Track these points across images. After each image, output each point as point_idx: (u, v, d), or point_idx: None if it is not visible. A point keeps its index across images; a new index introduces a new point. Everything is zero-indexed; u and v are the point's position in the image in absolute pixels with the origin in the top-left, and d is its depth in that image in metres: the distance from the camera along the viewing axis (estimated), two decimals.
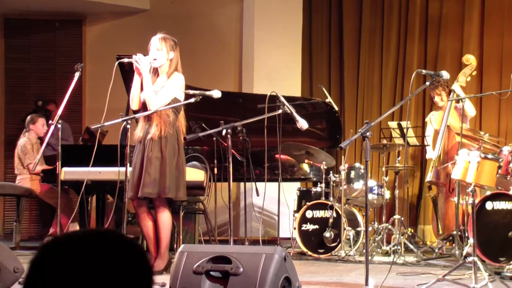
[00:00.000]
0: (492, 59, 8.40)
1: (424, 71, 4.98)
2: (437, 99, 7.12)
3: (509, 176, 5.64)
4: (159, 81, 5.45)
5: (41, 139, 7.96)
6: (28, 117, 8.18)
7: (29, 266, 1.42)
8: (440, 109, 7.24)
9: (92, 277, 1.40)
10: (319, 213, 6.93)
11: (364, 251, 4.58)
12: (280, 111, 6.04)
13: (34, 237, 9.22)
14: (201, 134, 5.56)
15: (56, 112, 6.04)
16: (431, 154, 7.19)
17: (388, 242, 6.99)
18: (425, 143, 7.43)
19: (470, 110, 6.93)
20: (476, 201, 5.40)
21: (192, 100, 5.33)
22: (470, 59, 6.99)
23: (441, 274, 5.00)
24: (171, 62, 5.40)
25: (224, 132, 5.29)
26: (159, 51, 5.37)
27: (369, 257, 6.12)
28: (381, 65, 9.13)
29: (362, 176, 7.10)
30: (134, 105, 5.45)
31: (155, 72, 5.47)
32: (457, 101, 6.85)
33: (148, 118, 5.39)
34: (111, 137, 7.93)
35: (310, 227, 6.93)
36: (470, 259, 4.78)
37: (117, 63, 5.27)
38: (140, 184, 5.31)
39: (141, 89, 5.41)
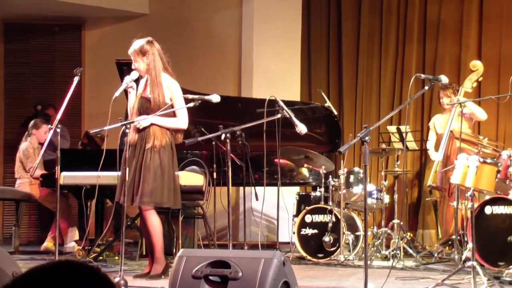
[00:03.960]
0: (490, 63, 8.39)
1: (423, 75, 4.99)
2: (445, 100, 7.12)
3: (508, 180, 5.64)
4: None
5: (42, 145, 7.94)
6: (32, 122, 8.11)
7: None
8: (444, 111, 7.23)
9: None
10: (318, 218, 6.92)
11: (363, 255, 4.57)
12: (279, 115, 6.05)
13: (33, 241, 9.20)
14: (200, 139, 5.56)
15: (55, 116, 6.03)
16: (435, 156, 7.16)
17: (387, 247, 6.99)
18: (424, 147, 7.42)
19: (480, 114, 6.95)
20: (475, 206, 5.40)
21: (191, 104, 5.34)
22: (477, 65, 6.94)
23: (440, 278, 5.00)
24: (149, 64, 5.41)
25: (223, 136, 5.29)
26: (136, 63, 5.44)
27: (368, 262, 6.12)
28: (380, 69, 9.13)
29: (361, 180, 7.10)
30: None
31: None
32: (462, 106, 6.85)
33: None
34: (109, 142, 7.90)
35: (309, 231, 6.93)
36: (469, 263, 4.78)
37: (112, 99, 5.22)
38: (135, 191, 5.31)
39: None
